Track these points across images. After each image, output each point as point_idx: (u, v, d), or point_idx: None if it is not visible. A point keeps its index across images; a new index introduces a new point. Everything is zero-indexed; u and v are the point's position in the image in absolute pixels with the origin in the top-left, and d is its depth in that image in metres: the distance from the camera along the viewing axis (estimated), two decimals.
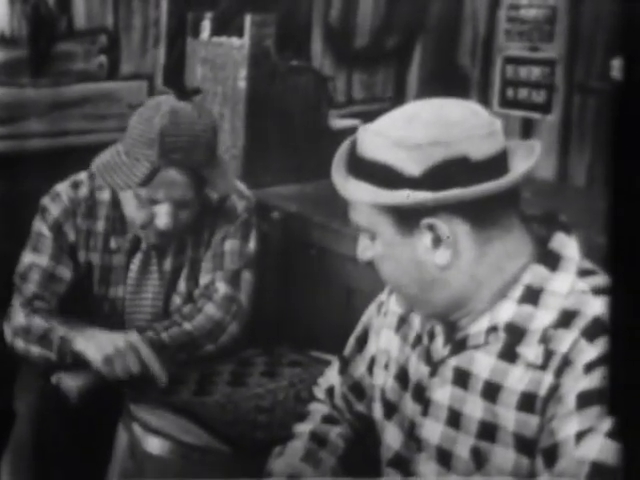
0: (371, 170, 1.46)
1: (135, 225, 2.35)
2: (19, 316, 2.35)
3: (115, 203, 2.40)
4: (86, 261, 2.42)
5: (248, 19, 3.18)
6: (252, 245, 2.47)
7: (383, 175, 1.44)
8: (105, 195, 2.41)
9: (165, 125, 2.20)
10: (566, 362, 1.39)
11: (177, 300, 2.45)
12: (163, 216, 2.27)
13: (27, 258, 2.40)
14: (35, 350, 2.30)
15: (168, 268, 2.45)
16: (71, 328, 2.28)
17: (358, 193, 1.48)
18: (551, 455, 1.38)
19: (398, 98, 3.85)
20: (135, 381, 2.17)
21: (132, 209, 2.31)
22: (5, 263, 2.46)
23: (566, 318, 1.42)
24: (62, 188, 2.43)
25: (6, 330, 2.37)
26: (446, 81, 3.77)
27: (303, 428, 1.79)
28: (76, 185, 2.43)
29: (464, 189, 1.41)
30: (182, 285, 2.46)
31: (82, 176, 2.44)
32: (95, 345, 2.20)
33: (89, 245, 2.42)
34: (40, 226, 2.40)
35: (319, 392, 1.87)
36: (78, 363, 2.24)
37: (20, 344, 2.33)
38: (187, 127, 2.22)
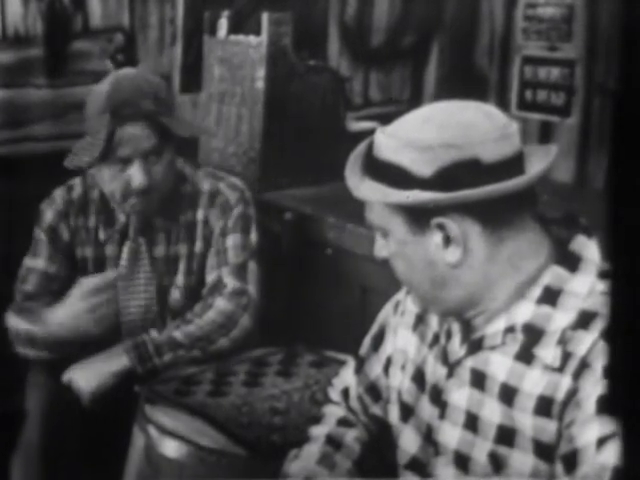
0: (385, 171, 1.48)
1: (116, 199, 2.39)
2: (10, 320, 2.45)
3: (104, 199, 2.46)
4: (82, 256, 2.50)
5: (265, 17, 3.16)
6: (254, 237, 2.49)
7: (395, 175, 1.46)
8: (95, 193, 2.49)
9: (109, 89, 2.30)
10: (584, 365, 1.38)
11: (176, 294, 2.47)
12: (137, 174, 2.32)
13: (27, 263, 2.51)
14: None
15: (160, 255, 2.47)
16: None
17: (369, 192, 1.50)
18: (571, 461, 1.36)
19: (415, 99, 3.84)
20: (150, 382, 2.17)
21: (108, 184, 2.37)
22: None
23: (585, 319, 1.41)
24: (58, 192, 2.53)
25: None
26: (464, 82, 3.76)
27: (319, 431, 1.79)
28: (70, 188, 2.52)
29: (472, 190, 1.41)
30: (180, 279, 2.47)
31: (76, 180, 2.53)
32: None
33: (83, 240, 2.49)
34: (37, 231, 2.51)
35: (334, 394, 1.86)
36: None
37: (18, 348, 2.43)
38: (129, 83, 2.32)
